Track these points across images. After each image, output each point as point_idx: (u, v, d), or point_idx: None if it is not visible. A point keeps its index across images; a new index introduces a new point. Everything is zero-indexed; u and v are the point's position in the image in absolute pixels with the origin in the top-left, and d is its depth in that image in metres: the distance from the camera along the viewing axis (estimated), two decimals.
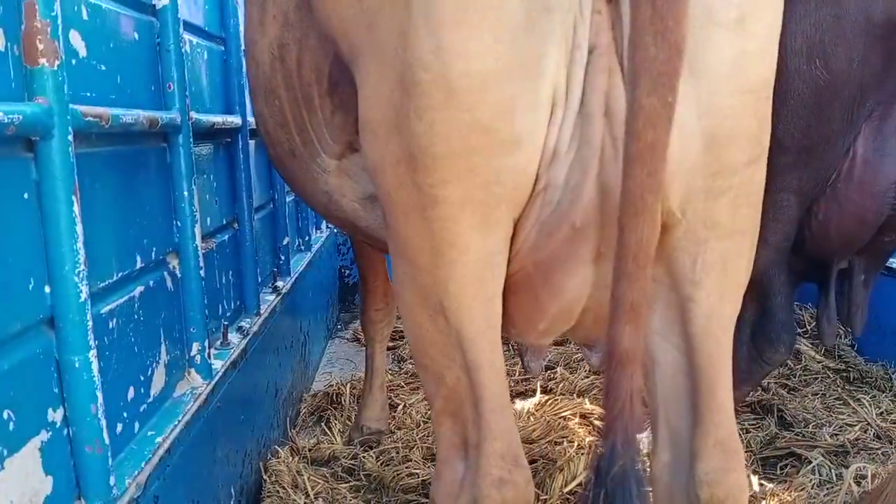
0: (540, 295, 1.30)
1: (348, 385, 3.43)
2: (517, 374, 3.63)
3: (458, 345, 1.26)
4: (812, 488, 2.55)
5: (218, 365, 2.24)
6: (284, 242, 3.35)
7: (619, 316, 1.06)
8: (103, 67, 1.77)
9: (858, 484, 2.40)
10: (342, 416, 3.22)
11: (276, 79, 1.71)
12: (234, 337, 2.48)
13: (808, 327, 4.03)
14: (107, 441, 1.53)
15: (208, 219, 2.42)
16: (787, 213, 2.06)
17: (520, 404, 3.11)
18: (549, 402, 3.13)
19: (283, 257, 3.32)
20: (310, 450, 2.91)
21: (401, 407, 3.22)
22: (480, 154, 1.13)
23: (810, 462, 2.71)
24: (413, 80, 1.13)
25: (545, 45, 1.08)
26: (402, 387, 3.48)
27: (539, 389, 3.31)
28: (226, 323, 2.45)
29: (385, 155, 1.25)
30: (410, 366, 3.73)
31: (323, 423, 3.17)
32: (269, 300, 2.96)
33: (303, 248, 3.98)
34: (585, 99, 1.13)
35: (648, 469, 1.35)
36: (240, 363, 2.39)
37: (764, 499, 2.48)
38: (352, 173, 1.65)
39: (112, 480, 1.53)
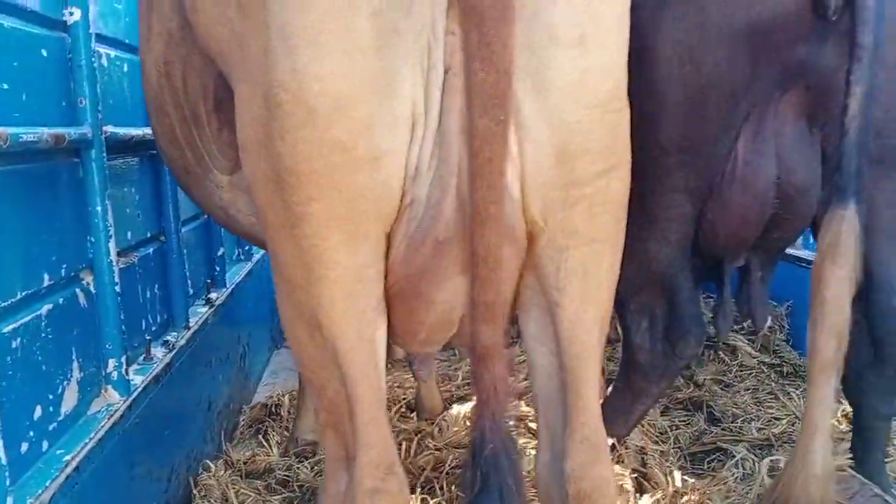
0: (414, 307, 1.34)
1: (287, 396, 3.43)
2: (460, 378, 3.67)
3: (334, 358, 1.29)
4: (734, 482, 2.62)
5: (138, 380, 2.24)
6: (220, 253, 3.35)
7: (477, 316, 1.12)
8: (6, 86, 1.77)
9: (773, 476, 2.48)
10: (280, 427, 3.23)
11: (164, 96, 1.73)
12: (158, 351, 2.48)
13: (745, 324, 4.12)
14: (4, 461, 1.53)
15: (129, 233, 2.42)
16: (681, 212, 2.13)
17: (456, 409, 3.14)
18: None
19: (218, 268, 3.32)
20: (245, 462, 2.90)
21: None
22: (342, 172, 1.17)
23: (734, 456, 2.78)
24: (275, 101, 1.16)
25: (398, 66, 1.12)
26: None
27: None
28: (149, 338, 2.45)
29: (257, 173, 1.28)
30: None
31: (260, 435, 3.17)
32: (200, 312, 2.96)
33: (242, 258, 3.98)
34: (442, 118, 1.17)
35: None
36: (163, 378, 2.39)
37: (686, 494, 2.54)
38: (244, 188, 1.67)
39: (10, 501, 1.53)
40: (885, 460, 2.62)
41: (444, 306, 1.32)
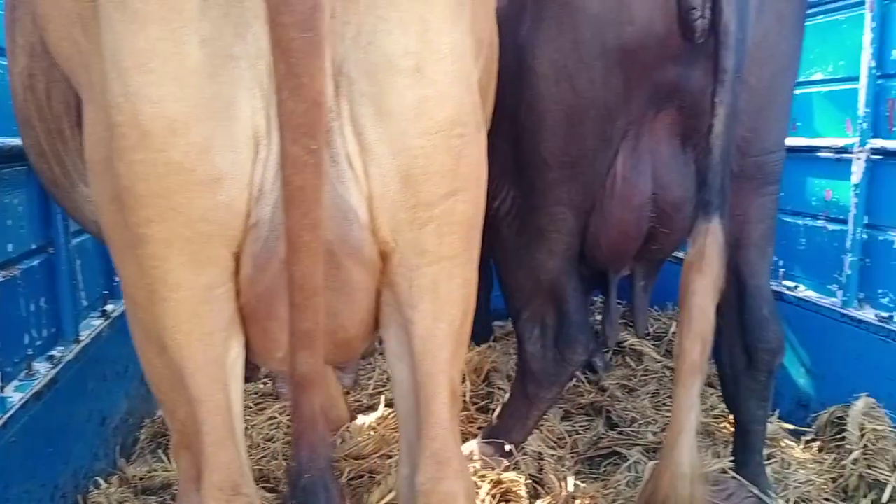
0: (267, 326, 1.33)
1: None
2: (371, 387, 3.67)
3: (182, 380, 1.28)
4: (625, 486, 2.70)
5: (16, 398, 2.17)
6: None
7: (295, 344, 1.12)
8: None
9: None
10: None
11: (30, 109, 1.69)
12: (41, 367, 2.40)
13: (651, 329, 4.25)
14: None
15: (10, 245, 2.34)
16: (566, 225, 2.20)
17: (361, 419, 3.14)
18: (391, 415, 3.17)
19: (116, 279, 3.23)
20: (141, 478, 2.83)
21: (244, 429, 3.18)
22: (181, 193, 1.16)
23: (628, 460, 2.86)
24: (112, 122, 1.15)
25: (234, 90, 1.12)
26: (250, 407, 3.44)
27: (384, 403, 3.35)
28: (31, 353, 2.38)
29: (101, 193, 1.26)
30: (262, 385, 3.71)
31: (161, 450, 3.10)
32: (94, 325, 2.88)
33: None
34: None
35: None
36: (46, 394, 2.32)
37: (578, 498, 2.60)
38: None
39: None
40: (767, 462, 2.76)
41: None
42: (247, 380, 1.78)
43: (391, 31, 1.15)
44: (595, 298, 3.97)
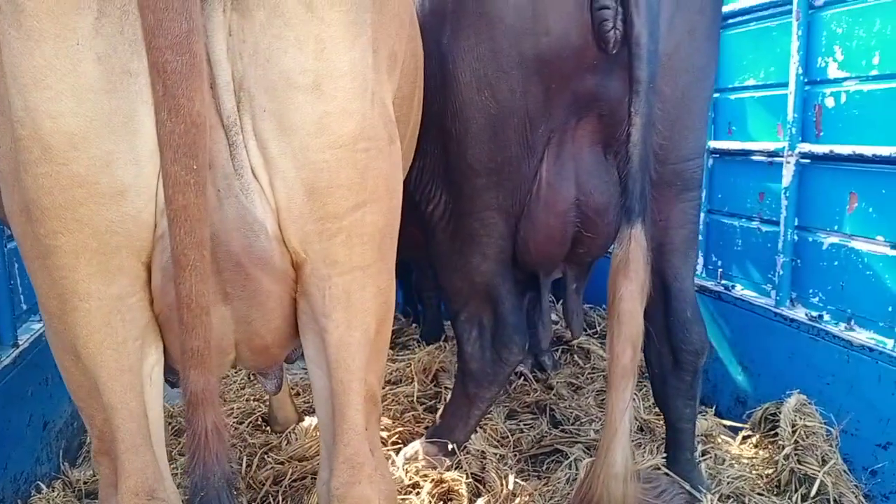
0: None
1: None
2: None
3: (96, 387, 1.30)
4: (565, 483, 2.76)
5: None
6: None
7: (185, 362, 1.15)
8: None
9: None
10: None
11: None
12: None
13: (598, 328, 4.33)
14: None
15: None
16: (496, 230, 2.25)
17: (308, 421, 3.16)
18: None
19: None
20: (85, 482, 2.83)
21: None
22: (85, 205, 1.18)
23: (568, 457, 2.93)
24: (15, 136, 1.17)
25: (133, 105, 1.15)
26: None
27: None
28: None
29: (12, 204, 1.28)
30: None
31: None
32: (34, 329, 2.86)
33: None
34: None
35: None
36: None
37: (518, 496, 2.66)
38: None
39: None
40: (702, 458, 2.85)
41: (214, 332, 1.35)
42: (173, 386, 1.80)
43: (287, 50, 1.18)
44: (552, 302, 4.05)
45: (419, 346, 4.16)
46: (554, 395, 3.55)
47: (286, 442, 3.00)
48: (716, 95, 3.45)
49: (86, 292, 1.23)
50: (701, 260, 3.62)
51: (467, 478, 2.73)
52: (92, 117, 1.13)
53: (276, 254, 1.30)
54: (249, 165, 1.23)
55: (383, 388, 3.59)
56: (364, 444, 1.42)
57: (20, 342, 2.69)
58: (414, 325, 4.67)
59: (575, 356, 4.06)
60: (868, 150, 2.57)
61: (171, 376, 1.65)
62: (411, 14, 1.76)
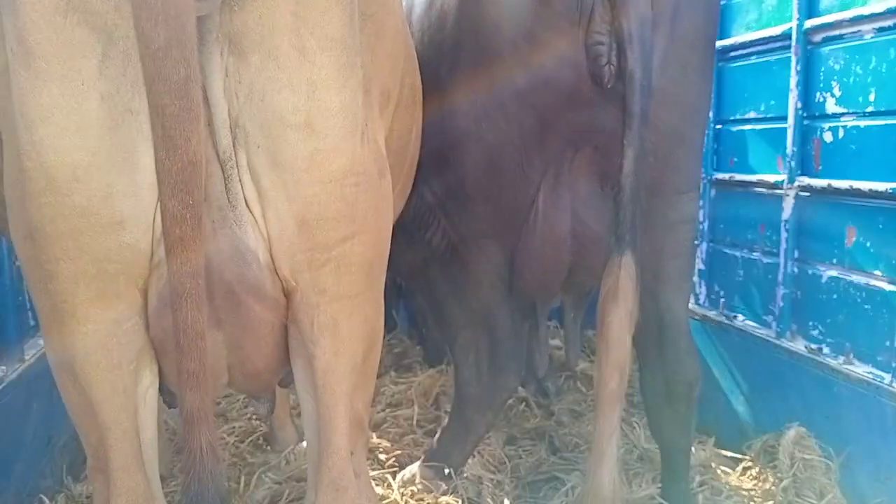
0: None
1: None
2: None
3: (91, 407, 1.35)
4: None
5: None
6: None
7: (182, 383, 1.20)
8: None
9: None
10: None
11: None
12: None
13: None
14: None
15: None
16: (493, 257, 2.30)
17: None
18: None
19: None
20: (87, 496, 2.87)
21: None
22: (86, 234, 1.24)
23: (566, 483, 2.93)
24: (22, 167, 1.23)
25: (134, 141, 1.21)
26: None
27: None
28: None
29: (17, 230, 1.34)
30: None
31: None
32: (41, 345, 2.92)
33: None
34: None
35: None
36: None
37: None
38: None
39: None
40: (699, 488, 2.85)
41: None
42: (170, 406, 1.85)
43: (280, 90, 1.24)
44: (550, 324, 4.07)
45: (421, 368, 4.19)
46: (555, 421, 3.56)
47: (285, 462, 3.03)
48: (718, 127, 3.49)
49: (84, 316, 1.29)
50: (703, 290, 3.64)
51: (463, 503, 2.74)
52: (94, 152, 1.19)
53: (267, 282, 1.36)
54: (243, 198, 1.29)
55: (383, 411, 3.63)
56: (348, 468, 1.46)
57: (26, 357, 2.75)
58: (419, 346, 4.70)
59: (578, 382, 4.06)
60: (865, 186, 2.59)
61: (168, 396, 1.70)
62: (408, 51, 1.82)
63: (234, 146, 1.27)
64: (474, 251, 2.32)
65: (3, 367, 2.60)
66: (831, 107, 2.81)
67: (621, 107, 1.98)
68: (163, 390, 1.54)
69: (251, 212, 1.31)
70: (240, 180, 1.28)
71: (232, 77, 1.23)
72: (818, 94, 2.86)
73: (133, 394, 1.38)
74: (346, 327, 1.43)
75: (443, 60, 2.18)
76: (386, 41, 1.53)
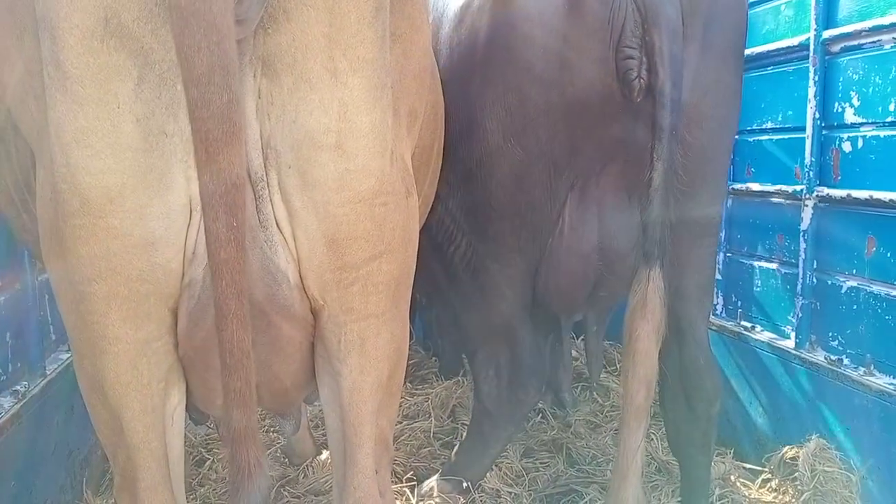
0: (205, 376, 1.42)
1: None
2: None
3: (120, 426, 1.36)
4: None
5: None
6: None
7: (228, 402, 1.20)
8: None
9: None
10: None
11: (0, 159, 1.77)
12: (5, 401, 2.46)
13: (618, 365, 4.32)
14: None
15: None
16: (517, 272, 2.30)
17: (326, 455, 3.19)
18: None
19: None
20: None
21: (209, 462, 3.23)
22: (119, 255, 1.25)
23: (584, 497, 2.92)
24: (56, 189, 1.24)
25: (168, 163, 1.22)
26: (218, 440, 3.49)
27: None
28: None
29: (49, 250, 1.35)
30: None
31: None
32: (62, 359, 2.94)
33: None
34: None
35: None
36: (9, 428, 2.38)
37: None
38: None
39: None
40: (719, 502, 2.83)
41: None
42: (196, 423, 1.86)
43: (312, 112, 1.25)
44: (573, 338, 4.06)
45: (437, 380, 4.18)
46: (571, 433, 3.55)
47: (303, 475, 3.03)
48: (735, 137, 3.48)
49: (115, 336, 1.30)
50: (720, 300, 3.62)
51: None
52: (129, 174, 1.20)
53: (296, 301, 1.36)
54: (274, 218, 1.30)
55: (400, 423, 3.62)
56: (374, 487, 1.46)
57: (48, 372, 2.77)
58: (433, 358, 4.70)
59: (594, 393, 4.05)
60: (885, 196, 2.58)
61: (195, 413, 1.71)
62: (432, 69, 1.83)
63: (265, 167, 1.28)
64: (498, 266, 2.32)
65: (25, 382, 2.61)
66: (850, 117, 2.80)
67: (650, 121, 1.98)
68: (188, 408, 1.55)
69: (281, 232, 1.31)
70: (270, 201, 1.29)
71: (265, 98, 1.24)
72: (836, 104, 2.85)
73: (161, 413, 1.38)
74: (372, 345, 1.43)
75: (473, 78, 2.19)
76: (413, 60, 1.53)
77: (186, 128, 1.20)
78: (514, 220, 2.24)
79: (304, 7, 1.23)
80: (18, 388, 2.56)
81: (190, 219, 1.27)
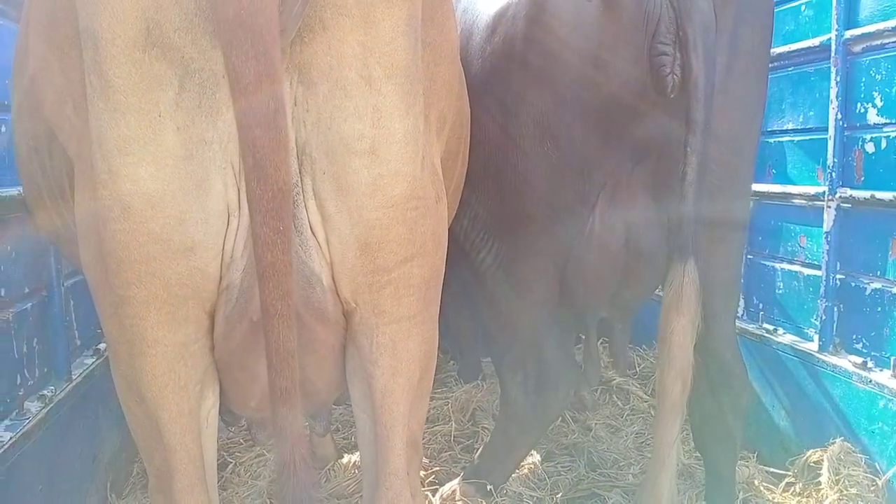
0: (240, 378, 1.43)
1: None
2: None
3: (157, 429, 1.37)
4: None
5: (6, 437, 2.25)
6: None
7: (275, 400, 1.23)
8: None
9: None
10: None
11: (34, 166, 1.80)
12: (33, 406, 2.48)
13: (638, 368, 4.31)
14: None
15: (2, 290, 2.44)
16: (546, 275, 2.30)
17: (347, 458, 3.20)
18: None
19: None
20: None
21: (231, 466, 3.25)
22: (158, 260, 1.27)
23: (606, 502, 2.91)
24: (97, 195, 1.26)
25: (207, 171, 1.24)
26: (240, 444, 3.51)
27: None
28: (22, 393, 2.46)
29: (88, 255, 1.37)
30: None
31: None
32: (87, 364, 2.97)
33: None
34: None
35: None
36: (37, 433, 2.40)
37: None
38: None
39: None
40: None
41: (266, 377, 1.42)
42: (228, 424, 1.87)
43: (347, 119, 1.27)
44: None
45: (457, 383, 4.19)
46: (592, 436, 3.54)
47: (325, 479, 3.04)
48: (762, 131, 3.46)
49: (153, 339, 1.32)
50: (742, 303, 3.60)
51: None
52: (169, 181, 1.22)
53: (329, 305, 1.37)
54: (308, 223, 1.32)
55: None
56: (405, 488, 1.47)
57: (73, 377, 2.79)
58: (452, 361, 4.70)
59: (614, 396, 4.04)
60: None
61: (227, 415, 1.73)
62: (460, 76, 1.84)
63: (300, 173, 1.29)
64: (526, 270, 2.32)
65: (52, 387, 2.64)
66: (872, 117, 2.78)
67: (682, 116, 1.97)
68: (222, 410, 1.56)
69: (315, 236, 1.33)
70: (305, 206, 1.31)
71: (300, 105, 1.26)
72: (859, 104, 2.84)
73: (197, 415, 1.40)
74: (403, 348, 1.44)
75: (509, 85, 2.20)
76: (443, 67, 1.55)
77: (225, 135, 1.23)
78: (545, 223, 2.25)
79: (340, 16, 1.24)
80: (45, 392, 2.58)
81: (227, 224, 1.29)
